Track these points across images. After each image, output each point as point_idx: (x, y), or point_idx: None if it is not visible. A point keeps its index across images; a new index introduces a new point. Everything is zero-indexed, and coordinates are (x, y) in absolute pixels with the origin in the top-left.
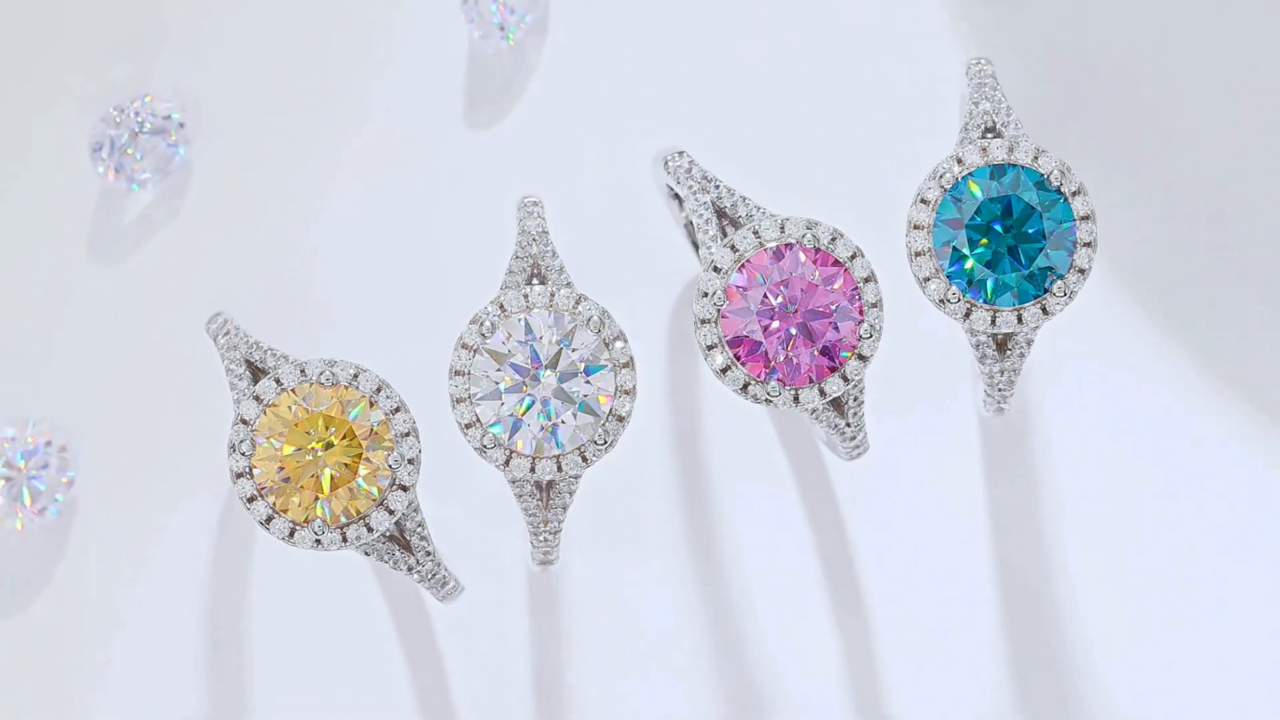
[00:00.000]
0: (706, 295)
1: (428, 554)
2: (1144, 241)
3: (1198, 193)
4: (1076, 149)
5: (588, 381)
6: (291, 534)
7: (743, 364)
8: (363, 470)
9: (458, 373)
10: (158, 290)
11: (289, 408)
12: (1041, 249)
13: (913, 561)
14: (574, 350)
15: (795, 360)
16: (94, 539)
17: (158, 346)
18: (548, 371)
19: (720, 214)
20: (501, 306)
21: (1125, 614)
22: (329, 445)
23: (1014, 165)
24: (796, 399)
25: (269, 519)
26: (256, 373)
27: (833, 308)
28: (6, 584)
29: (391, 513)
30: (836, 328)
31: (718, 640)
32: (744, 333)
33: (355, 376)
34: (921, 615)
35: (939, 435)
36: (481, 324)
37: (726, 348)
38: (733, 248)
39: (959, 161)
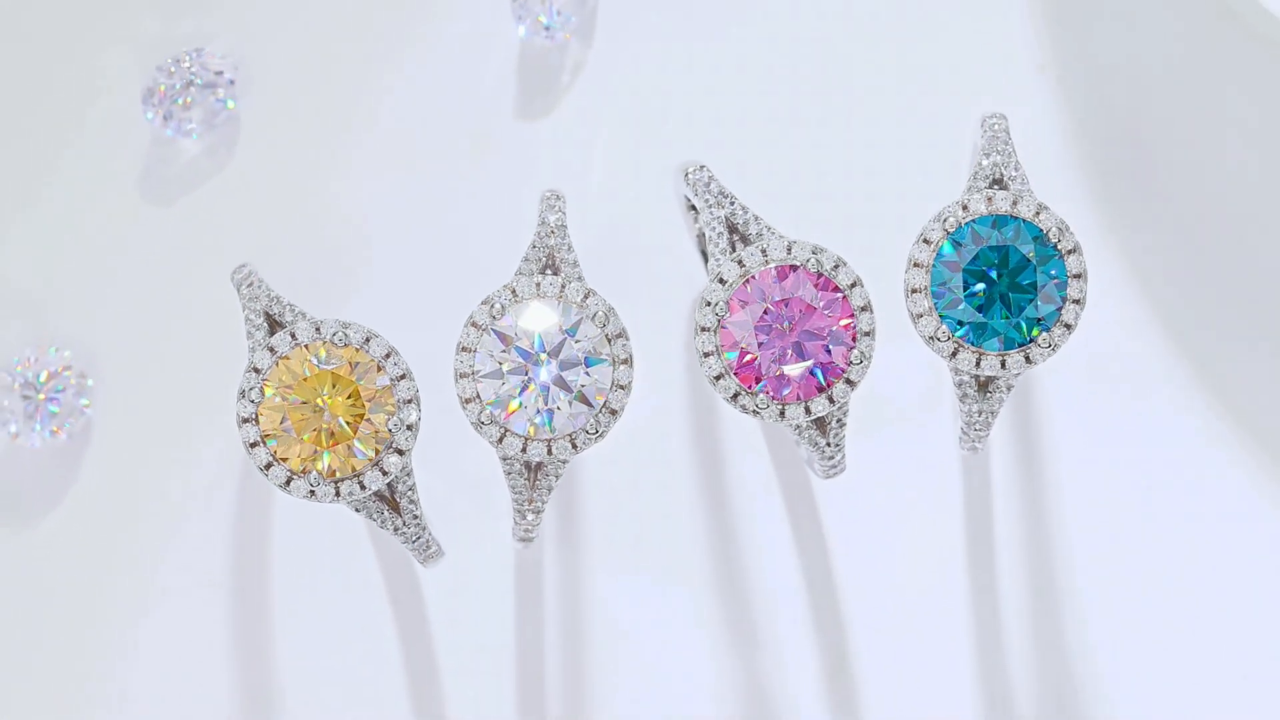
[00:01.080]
0: (709, 304)
1: (415, 517)
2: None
3: (1213, 217)
4: (1101, 183)
5: (586, 373)
6: (288, 482)
7: (735, 374)
8: (363, 430)
9: (464, 349)
10: (194, 236)
11: (300, 362)
12: (1032, 300)
13: (893, 575)
14: (577, 342)
15: (785, 376)
16: (106, 464)
17: (189, 291)
18: (549, 359)
19: (732, 229)
20: (514, 291)
21: (1109, 632)
22: (333, 402)
23: (1016, 218)
24: (783, 414)
25: (268, 465)
26: (274, 325)
27: (827, 331)
28: (19, 499)
29: (385, 474)
30: (828, 351)
31: (696, 635)
32: (741, 344)
33: (367, 340)
34: (901, 624)
35: (924, 458)
36: (492, 305)
37: (722, 357)
38: (740, 263)
39: (964, 208)
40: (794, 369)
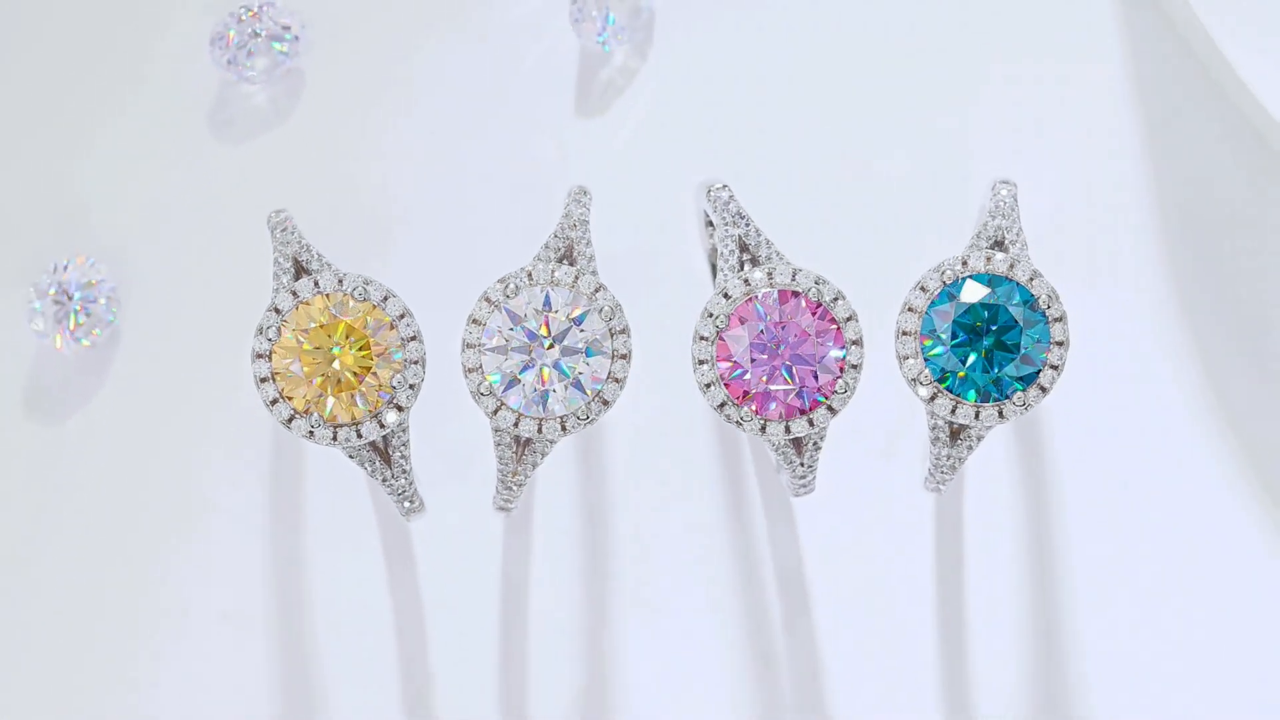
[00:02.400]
0: (711, 316)
1: (404, 471)
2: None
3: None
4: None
5: (586, 362)
6: (290, 420)
7: (726, 385)
8: (367, 382)
9: (474, 321)
10: (242, 177)
11: (320, 309)
12: (1013, 360)
13: (863, 579)
14: (582, 331)
15: (772, 394)
16: (129, 376)
17: (228, 227)
18: (553, 343)
19: (743, 249)
20: (530, 275)
21: (1102, 635)
22: (344, 352)
23: (1011, 280)
24: (763, 429)
25: (274, 401)
26: (300, 271)
27: (818, 359)
28: (43, 399)
29: (382, 426)
30: (816, 377)
31: (687, 626)
32: (734, 358)
33: (385, 299)
34: (873, 625)
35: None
36: (507, 285)
37: (716, 367)
38: (746, 281)
39: (964, 264)
40: (782, 391)
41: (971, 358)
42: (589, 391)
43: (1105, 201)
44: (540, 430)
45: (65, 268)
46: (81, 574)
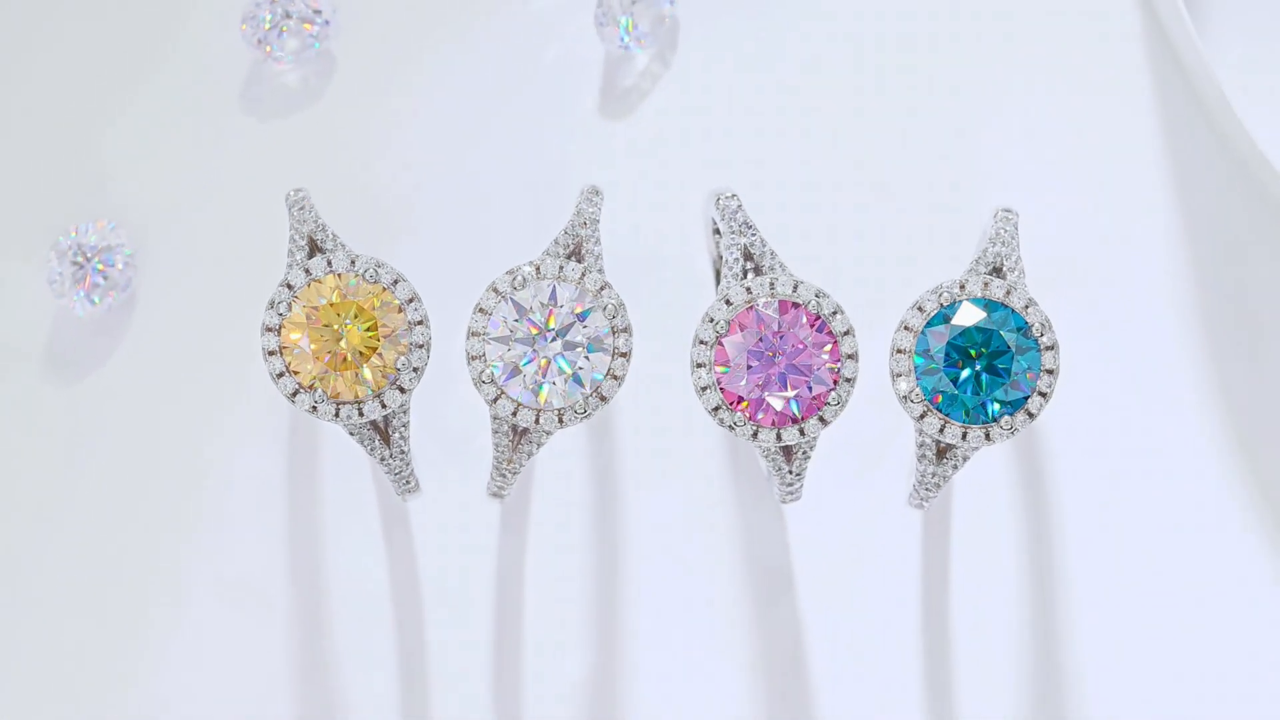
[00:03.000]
0: (712, 321)
1: (402, 452)
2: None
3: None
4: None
5: (587, 358)
6: (295, 394)
7: (721, 389)
8: (373, 362)
9: (481, 310)
10: (267, 154)
11: (331, 288)
12: (1003, 385)
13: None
14: (585, 327)
15: (766, 402)
16: (143, 341)
17: (249, 201)
18: (556, 338)
19: (748, 257)
20: (538, 269)
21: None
22: (352, 331)
23: (1006, 306)
24: (755, 435)
25: (280, 374)
26: (314, 249)
27: (814, 370)
28: (61, 359)
29: (384, 406)
30: (810, 388)
31: (680, 620)
32: (731, 363)
33: (395, 282)
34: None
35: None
36: (515, 277)
37: (713, 371)
38: (748, 289)
39: (961, 287)
40: (776, 399)
41: (963, 378)
42: (588, 386)
43: (1109, 215)
44: (537, 421)
45: (85, 230)
46: (91, 535)
